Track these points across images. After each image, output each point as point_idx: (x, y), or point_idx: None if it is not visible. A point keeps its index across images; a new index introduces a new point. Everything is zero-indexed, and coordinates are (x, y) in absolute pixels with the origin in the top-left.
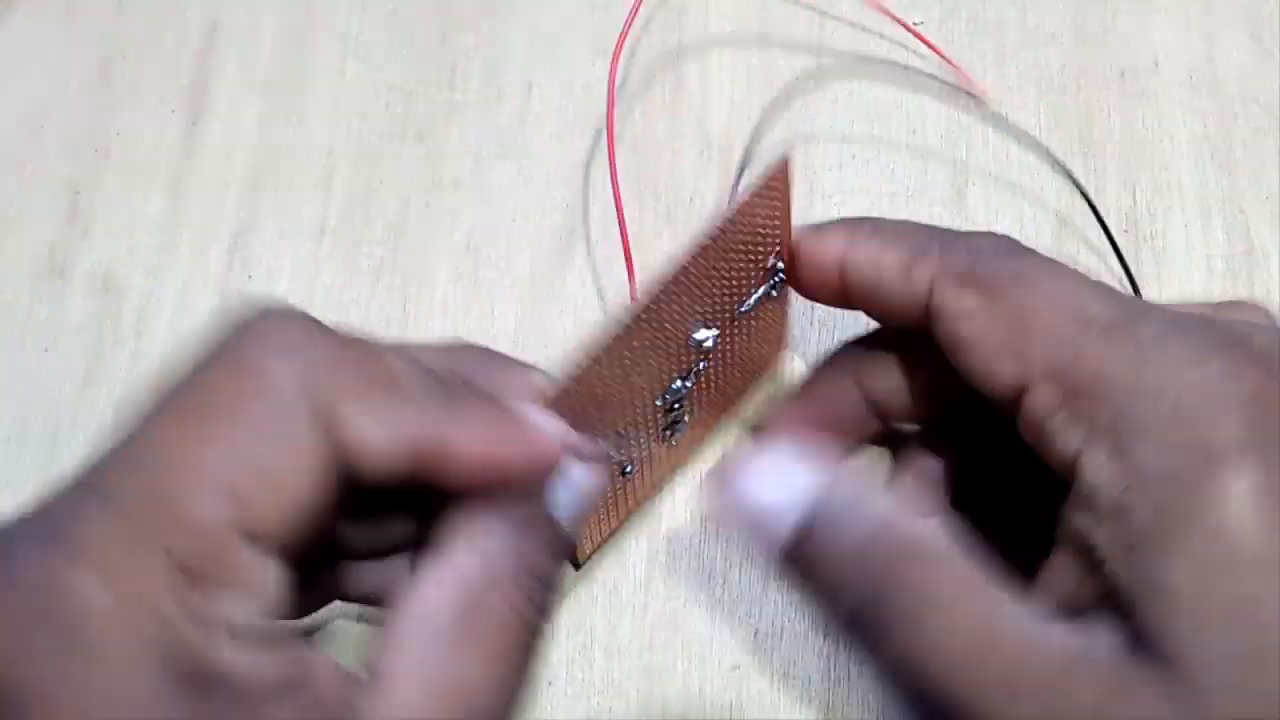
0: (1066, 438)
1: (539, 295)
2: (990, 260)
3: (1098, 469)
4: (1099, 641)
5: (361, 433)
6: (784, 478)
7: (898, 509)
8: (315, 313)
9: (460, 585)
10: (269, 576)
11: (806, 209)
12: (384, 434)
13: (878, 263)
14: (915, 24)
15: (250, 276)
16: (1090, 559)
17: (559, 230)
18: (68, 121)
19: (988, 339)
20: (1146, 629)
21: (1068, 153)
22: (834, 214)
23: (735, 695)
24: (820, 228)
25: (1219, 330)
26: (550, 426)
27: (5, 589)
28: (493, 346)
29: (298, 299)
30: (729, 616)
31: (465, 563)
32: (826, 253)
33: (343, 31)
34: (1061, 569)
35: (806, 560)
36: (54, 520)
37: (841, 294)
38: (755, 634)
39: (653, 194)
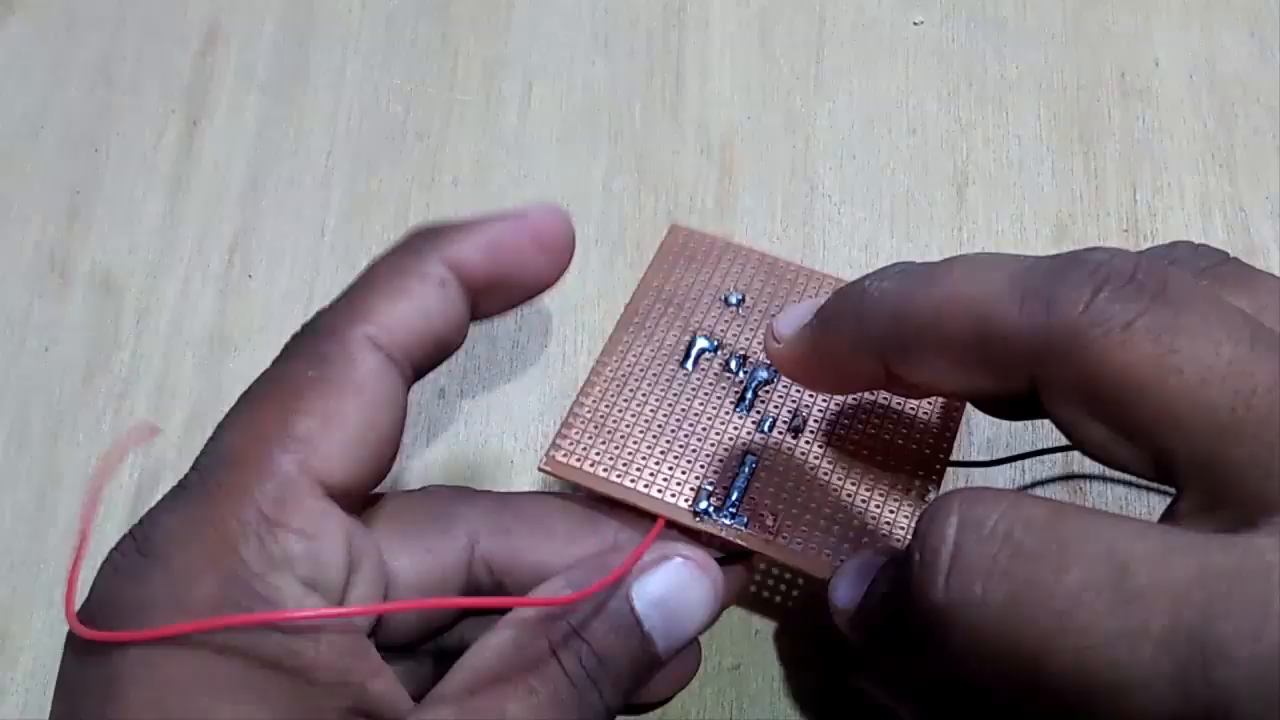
0: (1201, 524)
1: (539, 295)
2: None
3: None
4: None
5: None
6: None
7: None
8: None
9: (514, 630)
10: (335, 522)
11: (807, 209)
12: None
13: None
14: (915, 23)
15: (250, 276)
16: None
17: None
18: (68, 121)
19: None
20: None
21: (1068, 153)
22: (834, 214)
23: (735, 695)
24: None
25: None
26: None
27: (137, 539)
28: (493, 347)
29: (298, 299)
30: (729, 616)
31: (525, 614)
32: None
33: (343, 31)
34: None
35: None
36: (186, 482)
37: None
38: (755, 634)
39: (653, 194)
